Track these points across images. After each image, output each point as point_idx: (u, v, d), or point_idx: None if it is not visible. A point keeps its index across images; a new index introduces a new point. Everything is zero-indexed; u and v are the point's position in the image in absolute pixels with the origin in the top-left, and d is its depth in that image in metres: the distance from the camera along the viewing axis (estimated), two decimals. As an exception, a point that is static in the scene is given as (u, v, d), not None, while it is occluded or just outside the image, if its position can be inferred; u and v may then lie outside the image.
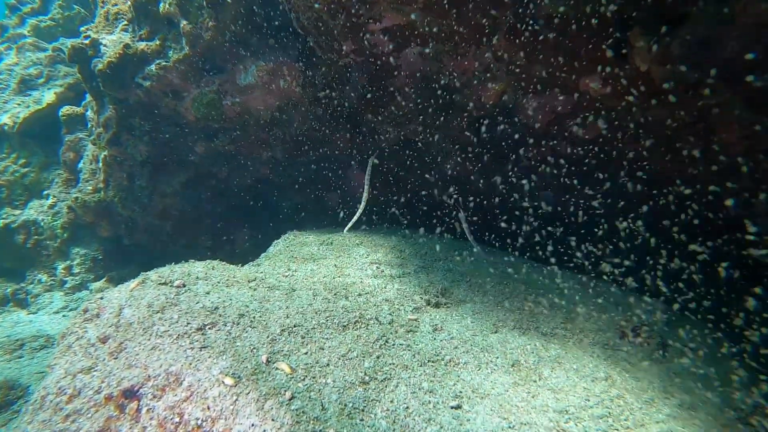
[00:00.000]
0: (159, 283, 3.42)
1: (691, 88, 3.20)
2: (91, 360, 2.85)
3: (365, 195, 4.29)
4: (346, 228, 4.60)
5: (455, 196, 4.85)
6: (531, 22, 3.62)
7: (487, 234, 4.80)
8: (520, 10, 3.59)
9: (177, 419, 2.46)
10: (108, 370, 2.76)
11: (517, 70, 3.96)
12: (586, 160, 4.06)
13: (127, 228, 7.09)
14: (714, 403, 2.95)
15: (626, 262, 3.78)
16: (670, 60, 3.23)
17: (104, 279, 7.70)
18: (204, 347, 2.84)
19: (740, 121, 3.15)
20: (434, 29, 3.99)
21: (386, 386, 2.76)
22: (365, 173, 4.28)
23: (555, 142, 4.17)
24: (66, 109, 7.99)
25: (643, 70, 3.44)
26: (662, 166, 3.73)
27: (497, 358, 3.18)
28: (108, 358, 2.84)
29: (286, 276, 4.04)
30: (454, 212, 4.45)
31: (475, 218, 4.73)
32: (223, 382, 2.59)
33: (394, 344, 3.16)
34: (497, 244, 4.81)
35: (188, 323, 3.00)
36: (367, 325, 3.33)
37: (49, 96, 8.35)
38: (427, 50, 4.23)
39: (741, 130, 3.22)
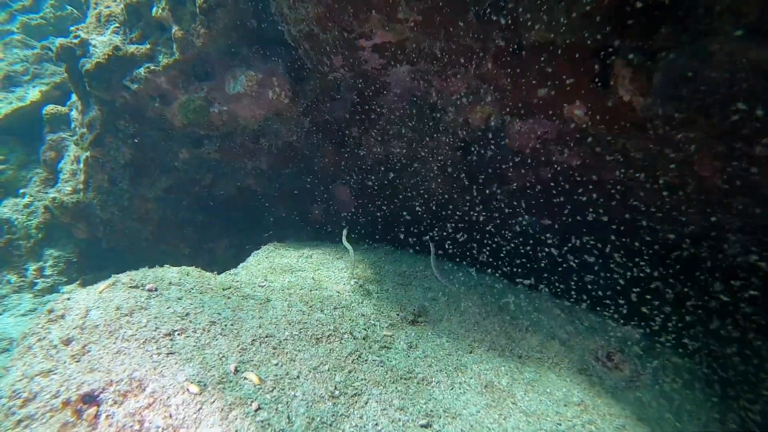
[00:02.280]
0: (130, 286, 3.33)
1: (670, 119, 3.28)
2: (52, 362, 2.74)
3: (351, 255, 4.49)
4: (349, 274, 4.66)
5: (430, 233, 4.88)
6: (520, 47, 3.69)
7: (468, 254, 4.80)
8: (510, 35, 3.67)
9: (137, 427, 2.36)
10: (68, 373, 2.65)
11: (504, 94, 4.02)
12: (570, 186, 4.11)
13: (105, 231, 6.94)
14: (686, 429, 2.95)
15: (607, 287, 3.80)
16: (650, 91, 3.31)
17: (78, 282, 7.49)
18: (171, 353, 2.76)
19: (716, 155, 3.22)
20: (424, 49, 4.05)
21: (356, 402, 2.70)
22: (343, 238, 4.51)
23: (539, 167, 4.22)
24: (50, 108, 7.87)
25: (626, 100, 3.52)
26: (642, 195, 3.79)
27: (471, 378, 3.15)
28: (70, 361, 2.74)
29: (263, 286, 3.97)
30: (428, 243, 4.51)
31: (454, 241, 4.73)
32: (188, 390, 2.51)
33: (367, 359, 3.11)
34: (477, 265, 4.81)
35: (157, 328, 2.92)
36: (341, 339, 3.27)
37: (33, 94, 8.22)
38: (417, 69, 4.28)
39: (717, 164, 3.29)
